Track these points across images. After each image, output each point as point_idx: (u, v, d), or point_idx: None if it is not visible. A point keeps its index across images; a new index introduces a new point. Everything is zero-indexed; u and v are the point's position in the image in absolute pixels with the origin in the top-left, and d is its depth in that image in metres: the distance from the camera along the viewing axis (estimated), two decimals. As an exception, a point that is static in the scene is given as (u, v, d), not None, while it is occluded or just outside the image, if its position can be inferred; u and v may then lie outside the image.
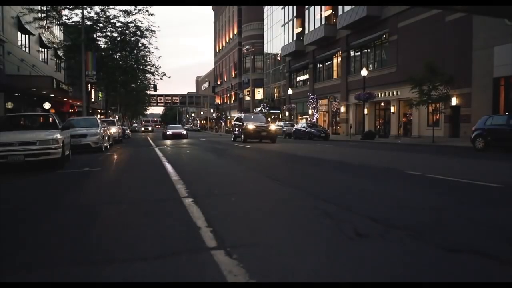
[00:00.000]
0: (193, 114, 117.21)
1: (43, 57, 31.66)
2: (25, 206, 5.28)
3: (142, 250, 3.12)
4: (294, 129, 32.18)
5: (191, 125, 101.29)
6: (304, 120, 41.68)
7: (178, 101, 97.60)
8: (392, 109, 29.48)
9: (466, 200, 5.20)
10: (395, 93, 28.69)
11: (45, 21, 25.90)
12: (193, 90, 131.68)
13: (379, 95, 30.41)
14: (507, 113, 17.26)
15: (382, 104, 31.73)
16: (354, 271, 2.57)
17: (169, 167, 9.36)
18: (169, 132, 32.56)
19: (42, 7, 25.57)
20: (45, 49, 31.58)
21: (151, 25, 33.69)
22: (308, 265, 2.67)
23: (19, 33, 25.87)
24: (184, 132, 33.42)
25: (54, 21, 27.20)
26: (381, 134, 30.96)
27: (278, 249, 3.04)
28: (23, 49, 26.92)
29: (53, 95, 28.38)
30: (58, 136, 9.22)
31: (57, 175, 8.52)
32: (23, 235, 3.71)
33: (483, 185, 6.30)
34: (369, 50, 33.27)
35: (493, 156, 12.53)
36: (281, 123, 37.83)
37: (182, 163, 10.92)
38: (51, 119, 11.16)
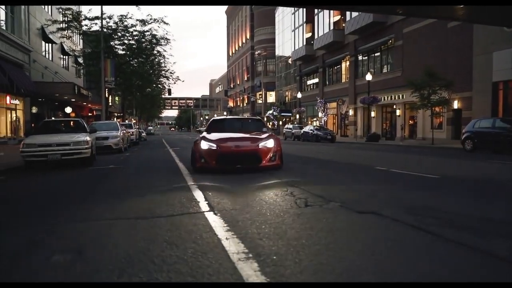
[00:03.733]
0: (206, 117, 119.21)
1: (64, 64, 33.52)
2: (77, 188, 7.09)
3: (158, 213, 4.54)
4: (302, 132, 33.25)
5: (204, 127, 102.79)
6: (314, 123, 42.72)
7: (192, 104, 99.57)
8: (398, 112, 30.33)
9: (394, 186, 6.76)
10: (400, 96, 29.56)
11: (66, 31, 27.62)
12: (207, 93, 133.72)
13: (386, 98, 31.31)
14: (497, 117, 18.13)
15: (389, 107, 32.63)
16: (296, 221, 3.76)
17: (181, 165, 10.66)
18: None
19: (65, 18, 27.29)
20: (67, 57, 33.43)
21: (166, 33, 35.27)
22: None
23: (43, 42, 27.64)
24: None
25: (75, 31, 28.93)
26: (388, 137, 31.85)
27: (248, 212, 4.23)
28: (47, 57, 28.71)
29: (74, 100, 30.14)
30: (88, 138, 10.72)
31: (88, 171, 10.04)
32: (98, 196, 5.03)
33: (424, 176, 7.92)
34: (376, 54, 34.20)
35: (476, 157, 13.54)
36: (290, 126, 38.97)
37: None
38: (80, 123, 12.64)
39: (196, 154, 8.61)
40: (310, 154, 15.09)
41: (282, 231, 3.59)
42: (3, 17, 21.38)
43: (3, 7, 21.34)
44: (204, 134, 9.38)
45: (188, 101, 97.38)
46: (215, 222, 3.96)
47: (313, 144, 25.50)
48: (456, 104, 23.77)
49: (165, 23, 28.24)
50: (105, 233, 3.72)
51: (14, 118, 23.68)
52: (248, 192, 5.83)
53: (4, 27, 21.09)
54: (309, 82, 48.56)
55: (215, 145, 8.28)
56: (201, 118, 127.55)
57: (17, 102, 23.34)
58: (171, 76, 36.97)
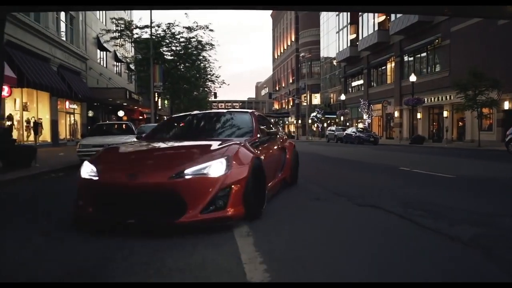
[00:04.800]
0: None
1: (117, 71, 35.71)
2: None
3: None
4: (344, 134, 33.09)
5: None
6: (358, 125, 42.26)
7: (238, 107, 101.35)
8: (445, 113, 29.39)
9: (403, 183, 7.10)
10: (447, 97, 28.63)
11: (119, 40, 29.49)
12: (253, 95, 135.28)
13: (432, 99, 30.44)
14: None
15: (436, 108, 31.66)
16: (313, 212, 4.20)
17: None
18: None
19: (117, 28, 29.16)
20: (119, 64, 35.59)
21: (211, 39, 36.41)
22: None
23: (98, 51, 29.72)
24: None
25: (127, 39, 30.79)
26: (435, 139, 30.92)
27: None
28: (101, 64, 30.81)
29: (125, 104, 32.06)
30: (135, 139, 11.68)
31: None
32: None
33: (442, 176, 8.11)
34: (422, 54, 33.32)
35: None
36: (333, 128, 38.85)
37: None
38: (129, 126, 13.79)
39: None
40: (346, 156, 15.26)
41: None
42: (63, 29, 23.34)
43: (63, 19, 23.29)
44: (118, 144, 6.38)
45: (234, 103, 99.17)
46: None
47: (353, 146, 25.42)
48: (507, 105, 22.74)
49: (210, 30, 29.35)
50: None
51: (73, 121, 25.72)
52: None
53: (64, 38, 23.01)
54: (354, 83, 48.02)
55: (96, 173, 3.85)
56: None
57: (75, 106, 25.32)
58: (216, 80, 38.18)
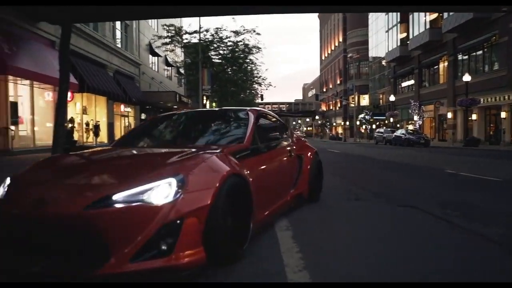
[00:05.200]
0: (299, 121, 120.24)
1: (168, 75, 37.18)
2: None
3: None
4: (394, 136, 32.25)
5: (297, 132, 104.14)
6: (409, 126, 40.95)
7: (285, 109, 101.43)
8: (503, 114, 27.81)
9: (454, 186, 7.09)
10: (505, 97, 27.10)
11: (170, 45, 30.75)
12: (300, 97, 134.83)
13: (489, 100, 28.90)
14: None
15: (493, 109, 30.02)
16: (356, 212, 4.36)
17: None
18: None
19: (168, 34, 30.43)
20: (170, 68, 37.04)
21: (258, 42, 36.97)
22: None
23: (150, 56, 31.15)
24: None
25: (177, 44, 32.04)
26: (492, 141, 29.33)
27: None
28: (153, 69, 32.25)
29: (176, 106, 33.27)
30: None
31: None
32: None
33: (488, 179, 7.92)
34: (477, 53, 31.75)
35: None
36: (382, 130, 37.98)
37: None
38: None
39: None
40: (392, 158, 15.00)
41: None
42: (118, 36, 24.75)
43: (119, 27, 24.69)
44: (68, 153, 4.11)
45: (281, 105, 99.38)
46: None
47: (402, 149, 24.74)
48: None
49: (257, 33, 29.87)
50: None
51: (127, 123, 27.17)
52: None
53: (119, 45, 24.40)
54: (404, 84, 46.58)
55: (3, 195, 2.71)
56: (293, 123, 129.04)
57: (129, 109, 26.74)
58: (263, 82, 38.71)
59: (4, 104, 13.06)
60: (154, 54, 31.36)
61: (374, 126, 51.85)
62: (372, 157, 16.00)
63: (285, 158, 4.32)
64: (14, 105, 13.69)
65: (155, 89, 30.47)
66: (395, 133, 32.80)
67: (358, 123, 55.60)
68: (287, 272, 2.54)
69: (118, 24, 24.37)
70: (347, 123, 64.39)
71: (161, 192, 2.39)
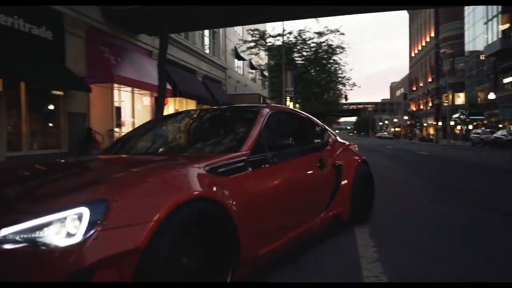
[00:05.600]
0: (386, 122, 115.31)
1: (252, 77, 38.37)
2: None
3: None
4: (493, 137, 29.56)
5: (384, 133, 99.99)
6: (511, 127, 37.15)
7: (371, 109, 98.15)
8: None
9: None
10: None
11: (254, 49, 31.74)
12: (387, 96, 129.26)
13: None
14: None
15: None
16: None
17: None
18: None
19: (253, 38, 31.42)
20: (254, 71, 38.19)
21: (341, 42, 36.44)
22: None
23: (235, 60, 32.46)
24: None
25: (261, 48, 32.95)
26: None
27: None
28: (239, 72, 33.54)
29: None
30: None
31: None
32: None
33: None
34: None
35: None
36: (479, 131, 34.98)
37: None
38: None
39: None
40: (488, 161, 13.90)
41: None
42: (207, 43, 26.23)
43: (207, 34, 26.17)
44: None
45: (366, 105, 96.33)
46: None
47: (501, 151, 22.61)
48: None
49: (340, 33, 29.53)
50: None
51: (214, 125, 28.57)
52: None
53: (207, 51, 25.86)
54: (506, 80, 42.30)
55: None
56: (380, 123, 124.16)
57: (216, 112, 28.12)
58: (347, 82, 38.06)
59: (110, 109, 14.71)
60: (239, 58, 32.61)
61: (470, 127, 47.85)
62: (465, 160, 14.98)
63: (310, 171, 3.30)
64: (118, 109, 15.38)
65: (240, 92, 31.67)
66: (494, 135, 30.04)
67: (452, 123, 51.77)
68: (362, 262, 2.70)
69: (206, 31, 25.83)
70: (439, 123, 60.25)
71: (64, 228, 1.64)
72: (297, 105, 51.59)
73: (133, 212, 1.78)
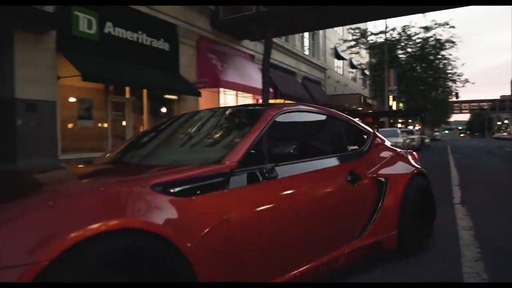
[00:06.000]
0: (505, 121, 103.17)
1: (352, 77, 37.63)
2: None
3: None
4: None
5: (504, 133, 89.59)
6: None
7: (487, 107, 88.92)
8: None
9: None
10: None
11: (355, 47, 31.15)
12: (508, 93, 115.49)
13: None
14: None
15: None
16: None
17: (454, 170, 10.87)
18: None
19: (353, 36, 30.87)
20: (355, 70, 37.41)
21: (451, 36, 33.87)
22: None
23: (335, 60, 32.19)
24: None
25: (362, 46, 32.20)
26: None
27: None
28: (338, 72, 33.20)
29: (360, 108, 33.47)
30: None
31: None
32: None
33: None
34: None
35: None
36: None
37: (468, 171, 12.04)
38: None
39: None
40: None
41: None
42: (306, 44, 26.53)
43: (307, 36, 26.46)
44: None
45: (481, 103, 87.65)
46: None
47: None
48: None
49: (450, 26, 27.50)
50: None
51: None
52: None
53: (307, 53, 26.15)
54: None
55: None
56: (499, 123, 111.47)
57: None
58: (458, 79, 35.24)
59: (216, 111, 15.87)
60: (339, 57, 32.26)
61: None
62: None
63: (331, 188, 2.57)
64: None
65: (340, 92, 31.33)
66: None
67: None
68: (463, 261, 2.75)
69: (306, 33, 26.14)
70: None
71: None
72: (401, 104, 49.17)
73: (15, 247, 1.25)
